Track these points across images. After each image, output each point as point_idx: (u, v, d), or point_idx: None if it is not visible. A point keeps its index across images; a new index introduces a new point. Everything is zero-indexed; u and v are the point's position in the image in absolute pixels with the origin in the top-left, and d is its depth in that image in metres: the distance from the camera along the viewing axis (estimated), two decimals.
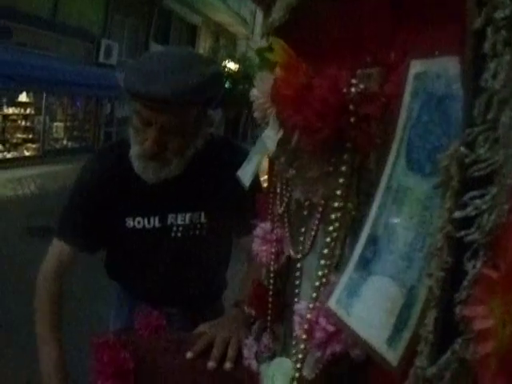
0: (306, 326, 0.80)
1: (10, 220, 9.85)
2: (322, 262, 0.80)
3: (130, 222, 1.89)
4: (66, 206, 1.93)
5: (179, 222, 1.90)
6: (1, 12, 14.78)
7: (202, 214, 1.91)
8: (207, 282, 2.09)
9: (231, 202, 1.85)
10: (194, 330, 1.67)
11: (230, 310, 1.85)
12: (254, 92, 1.27)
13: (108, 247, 2.08)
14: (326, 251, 0.79)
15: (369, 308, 0.64)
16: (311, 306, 0.81)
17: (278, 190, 1.28)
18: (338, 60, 0.80)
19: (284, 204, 1.23)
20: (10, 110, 17.69)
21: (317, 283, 0.80)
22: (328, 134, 0.74)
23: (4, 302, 5.25)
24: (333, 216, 0.79)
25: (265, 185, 1.62)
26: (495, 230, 0.41)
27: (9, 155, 17.08)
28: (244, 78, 22.11)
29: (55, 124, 19.78)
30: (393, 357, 0.57)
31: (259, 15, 31.26)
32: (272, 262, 1.32)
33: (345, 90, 0.74)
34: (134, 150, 1.73)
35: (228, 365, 1.46)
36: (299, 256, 1.06)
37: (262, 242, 1.35)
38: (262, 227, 1.37)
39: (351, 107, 0.73)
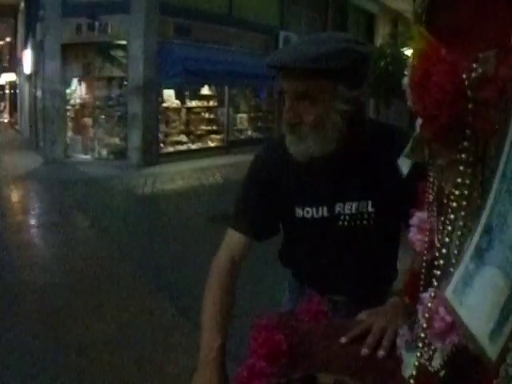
0: (427, 315, 0.79)
1: (195, 208, 10.37)
2: (444, 250, 0.79)
3: (299, 212, 1.94)
4: (238, 196, 2.04)
5: (346, 210, 1.91)
6: (179, 11, 15.60)
7: (370, 203, 1.91)
8: (373, 271, 2.06)
9: (400, 192, 1.82)
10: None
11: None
12: (405, 81, 1.25)
13: (283, 235, 2.15)
14: (446, 239, 0.78)
15: (478, 299, 0.62)
16: (432, 294, 0.80)
17: (431, 179, 1.26)
18: (464, 45, 0.78)
19: (434, 192, 1.21)
20: (194, 103, 18.58)
21: (438, 272, 0.79)
22: (445, 121, 0.72)
23: (190, 286, 5.55)
24: (456, 204, 0.78)
25: None
26: None
27: (193, 146, 17.91)
28: None
29: (239, 115, 20.45)
30: (492, 351, 0.55)
31: None
32: (425, 251, 1.30)
33: (464, 76, 0.72)
34: (283, 127, 1.84)
35: (381, 353, 1.44)
36: (438, 245, 1.04)
37: (417, 230, 1.34)
38: (418, 216, 1.35)
39: (469, 93, 0.71)
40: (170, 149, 17.37)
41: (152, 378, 4.10)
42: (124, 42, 15.87)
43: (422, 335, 0.82)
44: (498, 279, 0.59)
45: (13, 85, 35.86)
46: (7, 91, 38.21)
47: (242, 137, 20.24)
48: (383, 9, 26.43)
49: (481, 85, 0.70)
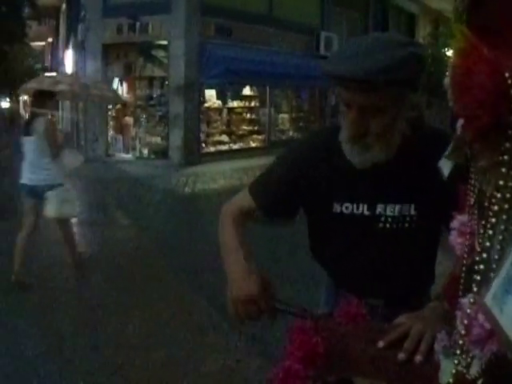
0: (465, 322, 0.77)
1: None
2: (484, 255, 0.76)
3: (337, 207, 1.93)
4: (268, 167, 2.10)
5: (388, 212, 1.89)
6: (220, 11, 15.74)
7: (412, 206, 1.88)
8: (412, 275, 2.02)
9: (442, 195, 1.79)
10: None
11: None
12: (446, 81, 1.22)
13: (311, 230, 2.14)
14: (487, 244, 0.76)
15: None
16: (472, 300, 0.77)
17: (472, 181, 1.23)
18: (507, 43, 0.75)
19: (475, 195, 1.18)
20: (235, 103, 18.73)
21: (478, 277, 0.77)
22: (486, 121, 0.70)
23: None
24: (497, 207, 0.75)
25: None
26: None
27: (235, 146, 18.02)
28: None
29: (280, 116, 20.51)
30: None
31: None
32: (465, 255, 1.27)
33: (507, 75, 0.70)
34: (343, 134, 1.79)
35: (418, 358, 1.42)
36: (479, 249, 1.01)
37: (457, 234, 1.31)
38: (459, 219, 1.32)
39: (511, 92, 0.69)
40: (212, 149, 17.52)
41: (188, 378, 4.11)
42: (165, 42, 16.06)
43: (461, 342, 0.80)
44: None
45: None
46: None
47: (284, 137, 20.26)
48: (424, 9, 26.28)
49: None
